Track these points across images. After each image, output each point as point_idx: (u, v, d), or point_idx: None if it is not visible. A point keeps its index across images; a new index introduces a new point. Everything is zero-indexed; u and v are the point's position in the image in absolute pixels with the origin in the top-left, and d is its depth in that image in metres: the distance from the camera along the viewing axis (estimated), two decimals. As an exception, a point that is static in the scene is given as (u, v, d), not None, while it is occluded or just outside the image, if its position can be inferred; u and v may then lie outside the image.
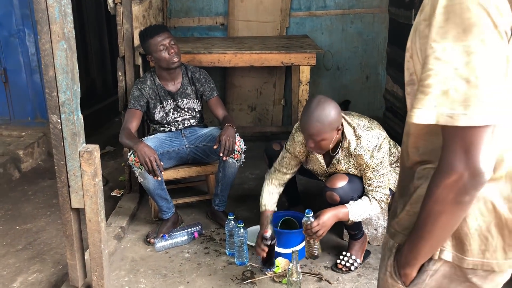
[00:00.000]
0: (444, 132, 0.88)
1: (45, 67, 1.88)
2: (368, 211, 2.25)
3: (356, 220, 2.26)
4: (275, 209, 2.44)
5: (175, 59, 2.72)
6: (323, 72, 4.34)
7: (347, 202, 2.24)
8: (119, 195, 3.29)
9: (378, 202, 2.26)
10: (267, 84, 4.33)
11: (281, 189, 2.49)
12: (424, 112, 0.86)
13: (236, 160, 2.71)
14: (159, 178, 2.53)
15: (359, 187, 2.29)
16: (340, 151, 2.28)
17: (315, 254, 2.33)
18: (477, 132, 0.84)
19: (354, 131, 2.24)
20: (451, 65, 0.83)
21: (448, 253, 0.99)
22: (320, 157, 2.38)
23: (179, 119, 2.91)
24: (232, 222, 2.56)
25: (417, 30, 0.93)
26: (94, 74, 4.91)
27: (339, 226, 2.75)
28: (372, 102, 4.42)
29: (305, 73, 3.36)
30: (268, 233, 2.29)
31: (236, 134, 2.71)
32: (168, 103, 2.86)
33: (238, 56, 3.32)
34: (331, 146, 2.18)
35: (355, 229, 2.45)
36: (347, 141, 2.24)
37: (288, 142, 2.44)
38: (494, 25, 0.81)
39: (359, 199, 2.27)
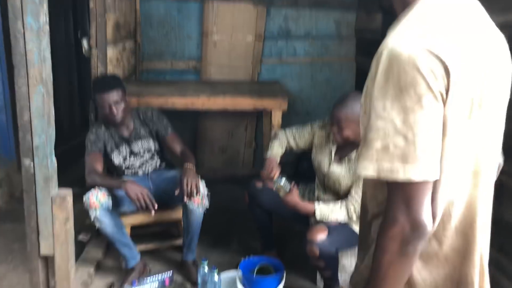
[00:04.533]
0: (387, 185, 0.92)
1: (20, 110, 1.85)
2: (335, 214, 2.36)
3: (323, 219, 2.37)
4: (278, 161, 2.64)
5: (117, 119, 2.72)
6: (293, 117, 4.44)
7: (327, 256, 2.28)
8: (86, 240, 3.18)
9: (347, 211, 2.35)
10: (238, 127, 4.39)
11: (283, 150, 2.70)
12: (367, 166, 0.91)
13: (198, 206, 2.65)
14: (153, 212, 2.52)
15: (339, 239, 2.32)
16: (355, 151, 2.40)
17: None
18: (416, 186, 0.88)
19: None
20: (391, 122, 0.88)
21: None
22: (333, 149, 2.47)
23: (137, 163, 2.89)
24: (206, 268, 2.51)
25: (367, 89, 0.98)
26: (62, 115, 4.84)
27: (313, 272, 2.75)
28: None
29: (277, 118, 3.44)
30: (277, 174, 2.50)
31: (199, 176, 2.68)
32: (124, 148, 2.86)
33: (212, 100, 3.36)
34: (351, 138, 2.31)
35: (331, 279, 2.46)
36: None
37: (316, 122, 2.66)
38: (428, 87, 0.86)
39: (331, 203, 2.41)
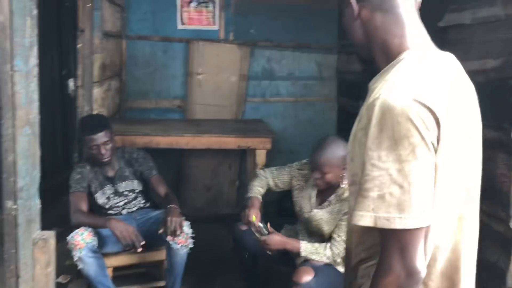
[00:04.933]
0: (382, 233, 0.94)
1: (5, 151, 1.84)
2: (320, 254, 2.35)
3: (308, 257, 2.36)
4: (260, 199, 2.63)
5: (105, 159, 2.73)
6: (276, 155, 4.47)
7: None
8: (65, 281, 3.09)
9: (332, 253, 2.34)
10: (222, 165, 4.40)
11: (265, 189, 2.69)
12: (363, 215, 0.94)
13: (181, 246, 2.63)
14: (140, 250, 2.50)
15: (325, 281, 2.31)
16: (333, 196, 2.40)
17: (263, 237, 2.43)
18: (411, 234, 0.91)
19: None
20: (386, 171, 0.91)
21: None
22: (313, 194, 2.46)
23: (120, 203, 2.87)
24: (189, 312, 2.47)
25: (355, 137, 1.02)
26: (44, 153, 4.78)
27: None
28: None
29: (261, 157, 3.47)
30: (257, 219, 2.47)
31: (183, 217, 2.67)
32: (108, 188, 2.85)
33: (197, 138, 3.39)
34: (333, 182, 2.32)
35: None
36: (342, 189, 2.38)
37: (294, 164, 2.65)
38: (422, 137, 0.91)
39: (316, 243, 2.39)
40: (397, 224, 0.90)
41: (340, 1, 1.15)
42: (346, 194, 2.36)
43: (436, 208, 0.96)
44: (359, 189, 0.96)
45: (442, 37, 2.53)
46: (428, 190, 0.92)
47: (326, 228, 2.41)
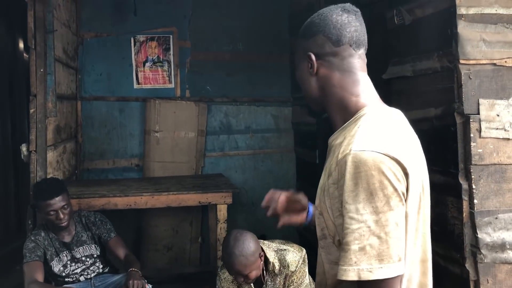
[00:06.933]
0: (361, 285, 0.96)
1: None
2: None
3: None
4: None
5: (63, 223, 2.67)
6: (238, 208, 4.46)
7: None
8: None
9: None
10: (183, 222, 4.33)
11: None
12: (347, 269, 0.95)
13: None
14: None
15: None
16: (267, 276, 2.35)
17: None
18: (391, 282, 0.94)
19: (276, 253, 2.37)
20: (365, 223, 0.94)
21: None
22: (251, 287, 2.39)
23: (78, 270, 2.77)
24: None
25: (324, 191, 1.05)
26: (-5, 219, 4.58)
27: None
28: (287, 236, 4.52)
29: (222, 212, 3.45)
30: None
31: (145, 281, 2.62)
32: (64, 254, 2.75)
33: (155, 197, 3.34)
34: (259, 273, 2.27)
35: None
36: (271, 264, 2.34)
37: (216, 285, 2.45)
38: (394, 188, 0.96)
39: None
40: (379, 275, 0.93)
41: (295, 55, 1.18)
42: (277, 265, 2.35)
43: (407, 254, 0.99)
44: (341, 243, 0.97)
45: (387, 89, 2.68)
46: (402, 238, 0.96)
47: None
